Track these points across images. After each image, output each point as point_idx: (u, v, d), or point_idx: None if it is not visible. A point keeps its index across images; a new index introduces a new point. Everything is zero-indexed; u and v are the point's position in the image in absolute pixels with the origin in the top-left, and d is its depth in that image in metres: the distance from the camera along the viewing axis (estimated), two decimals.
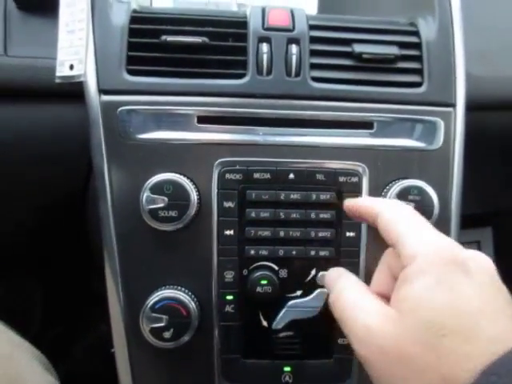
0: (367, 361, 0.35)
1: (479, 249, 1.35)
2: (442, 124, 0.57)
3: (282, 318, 0.55)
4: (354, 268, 0.55)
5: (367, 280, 0.55)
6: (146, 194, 0.52)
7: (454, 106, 0.58)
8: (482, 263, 0.36)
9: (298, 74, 0.56)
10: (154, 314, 0.52)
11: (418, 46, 0.59)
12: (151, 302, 0.52)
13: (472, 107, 0.60)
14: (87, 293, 1.03)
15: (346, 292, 0.41)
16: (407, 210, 0.43)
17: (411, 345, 0.33)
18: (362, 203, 0.48)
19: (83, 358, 1.10)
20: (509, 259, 1.27)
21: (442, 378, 0.31)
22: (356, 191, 0.55)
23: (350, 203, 0.50)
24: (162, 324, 0.52)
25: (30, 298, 1.07)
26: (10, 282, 1.03)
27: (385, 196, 0.55)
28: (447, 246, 0.38)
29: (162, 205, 0.52)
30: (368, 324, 0.36)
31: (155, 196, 0.52)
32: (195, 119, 0.55)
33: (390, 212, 0.42)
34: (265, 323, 0.55)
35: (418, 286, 0.35)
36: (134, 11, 0.58)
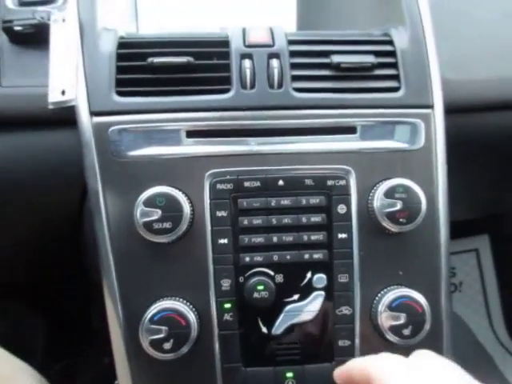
0: None
1: (478, 257, 1.35)
2: (422, 125, 0.59)
3: (280, 323, 0.55)
4: (348, 269, 0.56)
5: (362, 280, 0.56)
6: (139, 208, 0.53)
7: (432, 107, 0.60)
8: None
9: (280, 86, 0.58)
10: (153, 326, 0.52)
11: (392, 53, 0.62)
12: (150, 314, 0.53)
13: (450, 110, 0.62)
14: (89, 327, 1.02)
15: None
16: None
17: None
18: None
19: None
20: (509, 266, 1.27)
21: None
22: (345, 193, 0.57)
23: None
24: (162, 335, 0.52)
25: (33, 333, 1.06)
26: (13, 317, 1.02)
27: (373, 196, 0.56)
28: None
29: (155, 217, 0.53)
30: None
31: (149, 209, 0.53)
32: (184, 134, 0.57)
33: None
34: (264, 329, 0.55)
35: None
36: (121, 38, 0.61)
